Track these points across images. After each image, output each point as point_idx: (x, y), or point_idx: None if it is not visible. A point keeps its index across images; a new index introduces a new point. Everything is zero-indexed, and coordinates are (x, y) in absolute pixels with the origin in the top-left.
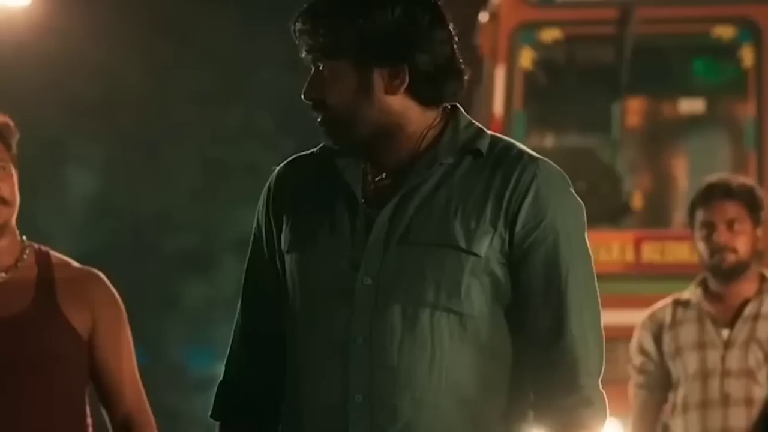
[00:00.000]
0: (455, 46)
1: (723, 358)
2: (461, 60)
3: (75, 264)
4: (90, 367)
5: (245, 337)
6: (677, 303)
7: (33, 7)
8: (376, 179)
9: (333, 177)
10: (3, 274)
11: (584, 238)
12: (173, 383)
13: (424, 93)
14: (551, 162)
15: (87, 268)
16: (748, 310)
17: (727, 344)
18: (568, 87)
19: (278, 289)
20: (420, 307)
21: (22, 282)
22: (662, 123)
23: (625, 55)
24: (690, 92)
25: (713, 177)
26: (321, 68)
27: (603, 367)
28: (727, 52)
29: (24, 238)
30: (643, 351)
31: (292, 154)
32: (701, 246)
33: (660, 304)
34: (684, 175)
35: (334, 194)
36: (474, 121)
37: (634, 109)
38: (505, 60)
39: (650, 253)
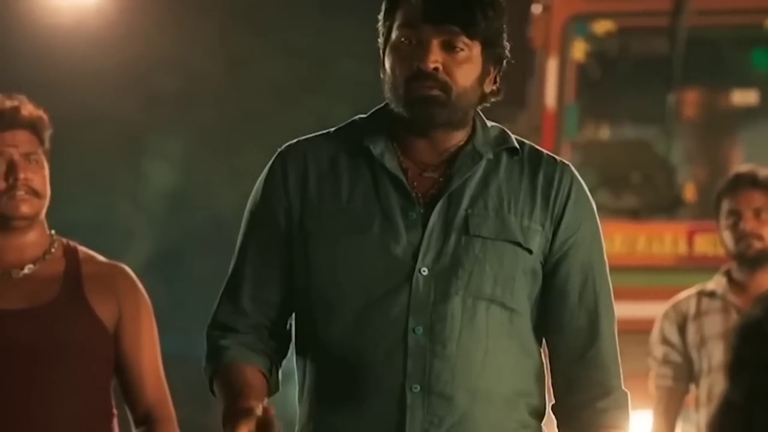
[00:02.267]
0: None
1: None
2: None
3: (101, 258)
4: (115, 360)
5: (246, 303)
6: (702, 294)
7: (103, 2)
8: (423, 172)
9: (369, 163)
10: (31, 266)
11: (603, 246)
12: None
13: (492, 95)
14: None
15: (113, 262)
16: None
17: None
18: (620, 79)
19: (287, 270)
20: (478, 300)
21: (49, 274)
22: (716, 114)
23: (679, 47)
24: (744, 83)
25: (739, 167)
26: (457, 46)
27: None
28: None
29: (53, 232)
30: (666, 341)
31: None
32: (727, 234)
33: (683, 294)
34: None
35: (377, 182)
36: (490, 121)
37: (687, 101)
38: (558, 52)
39: (703, 245)
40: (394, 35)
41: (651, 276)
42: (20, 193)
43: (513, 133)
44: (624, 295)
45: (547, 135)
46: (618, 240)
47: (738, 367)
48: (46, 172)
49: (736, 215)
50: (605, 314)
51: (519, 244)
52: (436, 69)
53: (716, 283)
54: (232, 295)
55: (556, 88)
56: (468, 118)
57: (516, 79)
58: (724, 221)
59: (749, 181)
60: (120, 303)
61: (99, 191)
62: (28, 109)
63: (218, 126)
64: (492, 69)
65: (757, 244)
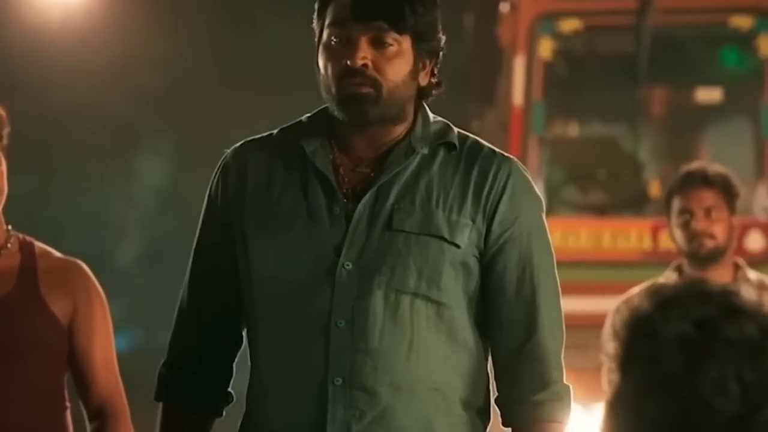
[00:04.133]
0: None
1: None
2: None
3: (57, 254)
4: (69, 354)
5: (194, 318)
6: (653, 288)
7: (91, 0)
8: (356, 168)
9: (302, 163)
10: None
11: (546, 238)
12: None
13: (429, 89)
14: (517, 160)
15: (69, 258)
16: None
17: None
18: (587, 77)
19: (233, 273)
20: (401, 294)
21: (4, 269)
22: (681, 112)
23: (644, 45)
24: (708, 81)
25: (690, 165)
26: (386, 41)
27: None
28: (745, 41)
29: (10, 227)
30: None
31: None
32: (678, 233)
33: (635, 290)
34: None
35: (306, 180)
36: (437, 116)
37: (654, 98)
38: (525, 50)
39: (667, 240)
40: (324, 34)
41: (616, 270)
42: None
43: (482, 130)
44: (589, 289)
45: (514, 132)
46: (584, 235)
47: (628, 361)
48: (4, 168)
49: (687, 214)
50: (545, 307)
51: (444, 239)
52: (365, 66)
53: (667, 278)
54: (179, 330)
55: (523, 85)
56: (405, 113)
57: (485, 77)
58: (675, 219)
59: (700, 180)
60: (75, 298)
61: (90, 188)
62: None
63: (207, 122)
64: (427, 62)
65: (709, 243)
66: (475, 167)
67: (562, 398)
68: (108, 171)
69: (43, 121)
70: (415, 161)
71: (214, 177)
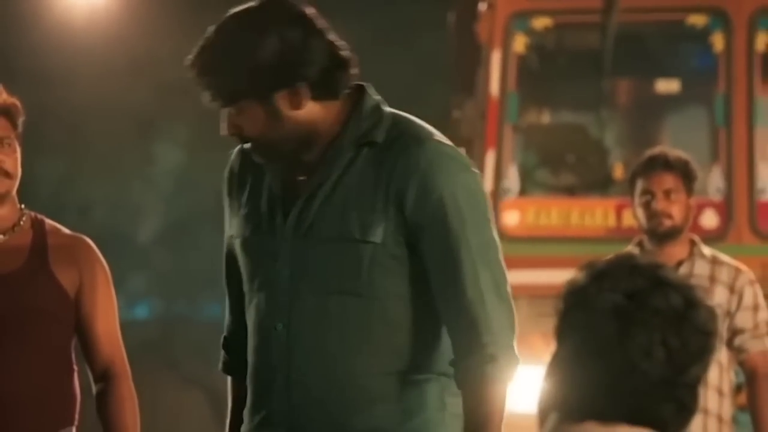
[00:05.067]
0: (334, 41)
1: None
2: (343, 48)
3: (66, 231)
4: (75, 323)
5: (230, 297)
6: None
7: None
8: (300, 176)
9: (259, 174)
10: (1, 236)
11: (478, 208)
12: None
13: (324, 95)
14: (447, 144)
15: (77, 234)
16: (682, 270)
17: None
18: (557, 69)
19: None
20: (328, 294)
21: (17, 245)
22: (643, 101)
23: (609, 41)
24: (667, 74)
25: (653, 150)
26: (228, 109)
27: (512, 324)
28: (700, 37)
29: (23, 206)
30: None
31: None
32: (640, 212)
33: None
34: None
35: (260, 191)
36: (380, 104)
37: (617, 90)
38: (501, 45)
39: (630, 219)
40: None
41: (583, 246)
42: None
43: (462, 119)
44: (559, 262)
45: (491, 120)
46: (554, 213)
47: (565, 329)
48: (18, 154)
49: (648, 195)
50: (471, 276)
51: (357, 239)
52: (232, 135)
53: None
54: (227, 309)
55: (499, 77)
56: (311, 134)
57: (466, 70)
58: (637, 199)
59: (661, 164)
60: (81, 271)
61: (113, 171)
62: (3, 97)
63: (219, 112)
64: (278, 97)
65: (667, 222)
66: (388, 158)
67: (496, 359)
68: (129, 156)
69: (69, 110)
70: (339, 168)
71: (225, 178)
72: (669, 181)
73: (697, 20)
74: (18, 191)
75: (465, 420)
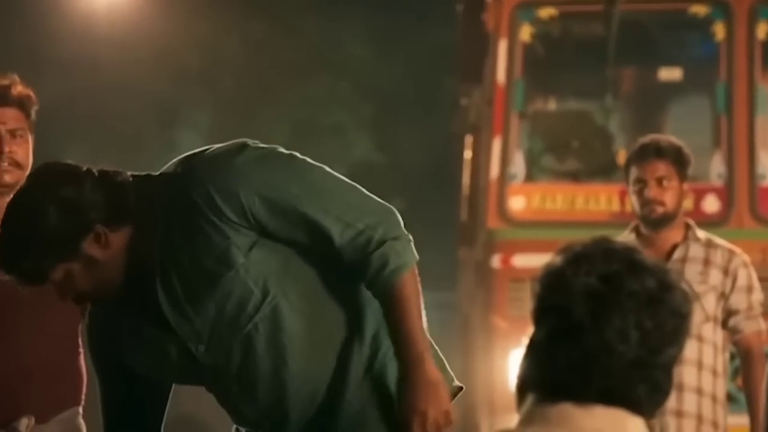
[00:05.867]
0: (105, 175)
1: None
2: (116, 176)
3: None
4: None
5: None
6: None
7: None
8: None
9: (122, 316)
10: None
11: (273, 171)
12: None
13: (119, 222)
14: (210, 152)
15: None
16: (677, 254)
17: None
18: (562, 58)
19: (134, 379)
20: (247, 333)
21: None
22: (646, 89)
23: (613, 30)
24: (670, 62)
25: (646, 137)
26: (52, 281)
27: (366, 206)
28: (702, 27)
29: None
30: None
31: (371, 117)
32: (634, 199)
33: None
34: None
35: (131, 325)
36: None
37: (621, 77)
38: (507, 34)
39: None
40: None
41: (588, 230)
42: (4, 164)
43: (470, 106)
44: None
45: (497, 107)
46: (560, 199)
47: (541, 312)
48: (30, 145)
49: (641, 182)
50: (323, 218)
51: (223, 275)
52: (72, 298)
53: (625, 238)
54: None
55: (505, 66)
56: (118, 277)
57: (473, 59)
58: (632, 187)
59: (653, 151)
60: None
61: (134, 157)
62: (18, 89)
63: (238, 98)
64: (85, 252)
65: (659, 209)
66: (187, 202)
67: (387, 259)
68: (151, 142)
69: (93, 97)
70: (163, 240)
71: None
72: (661, 168)
73: (699, 10)
74: None
75: (390, 322)
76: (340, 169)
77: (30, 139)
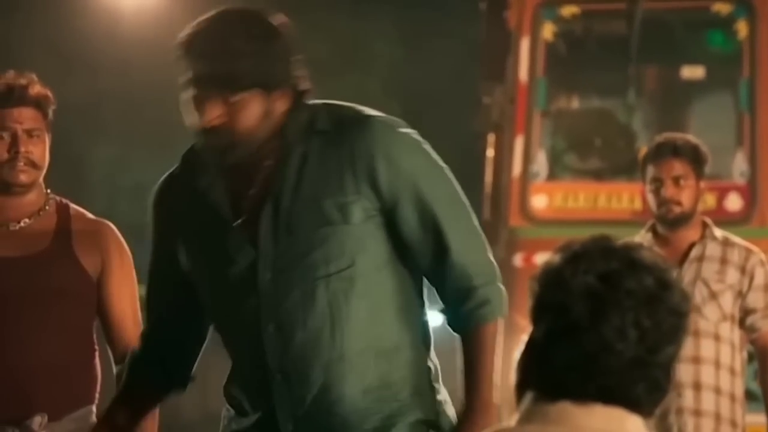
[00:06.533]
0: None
1: None
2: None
3: (90, 215)
4: (97, 305)
5: (154, 321)
6: None
7: None
8: (251, 182)
9: (201, 196)
10: (27, 220)
11: (435, 164)
12: None
13: (296, 104)
14: (385, 116)
15: (100, 219)
16: (694, 252)
17: None
18: (585, 56)
19: (182, 286)
20: (315, 283)
21: (42, 228)
22: (668, 87)
23: (635, 28)
24: (692, 60)
25: (662, 136)
26: (226, 98)
27: (490, 257)
28: (725, 24)
29: (48, 191)
30: None
31: (397, 115)
32: (651, 198)
33: None
34: (689, 133)
35: (209, 212)
36: (309, 101)
37: (643, 75)
38: (530, 33)
39: None
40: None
41: (610, 229)
42: (20, 164)
43: (492, 105)
44: None
45: (520, 105)
46: (582, 197)
47: (539, 310)
48: (46, 145)
49: (658, 182)
50: (450, 230)
51: (337, 223)
52: (213, 126)
53: (642, 237)
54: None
55: (528, 64)
56: (270, 134)
57: (496, 57)
58: (648, 186)
59: (670, 150)
60: (103, 255)
61: (164, 154)
62: (36, 88)
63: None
64: (278, 95)
65: (676, 209)
66: (344, 142)
67: (489, 300)
68: (180, 140)
69: (123, 97)
70: (296, 163)
71: (151, 215)
72: (678, 167)
73: (722, 7)
74: (70, 173)
75: (466, 361)
76: None
77: (47, 139)
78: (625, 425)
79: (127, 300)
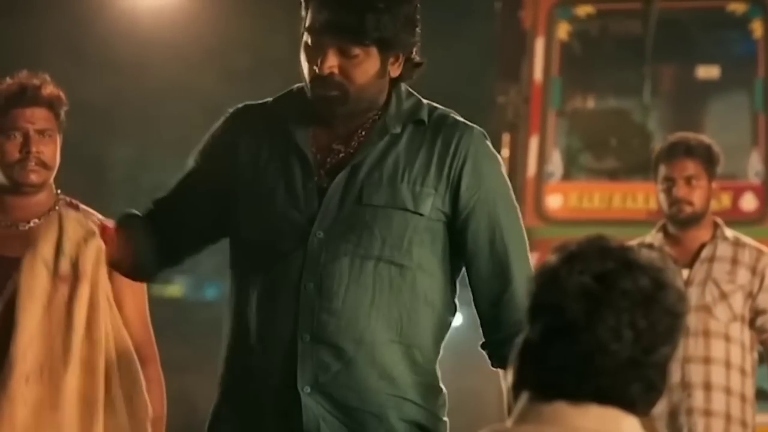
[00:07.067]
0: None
1: None
2: None
3: (99, 216)
4: None
5: (166, 203)
6: (641, 246)
7: None
8: (332, 143)
9: (285, 136)
10: (36, 220)
11: (511, 197)
12: None
13: (407, 74)
14: (481, 130)
15: (108, 220)
16: (705, 252)
17: (687, 283)
18: (600, 56)
19: (210, 199)
20: (366, 259)
21: None
22: (684, 86)
23: (650, 28)
24: (708, 60)
25: (675, 136)
26: (352, 53)
27: None
28: (740, 24)
29: (59, 191)
30: None
31: None
32: (662, 197)
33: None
34: (704, 133)
35: (287, 153)
36: (412, 91)
37: (659, 75)
38: (545, 33)
39: None
40: (304, 32)
41: (625, 229)
42: (31, 164)
43: (507, 104)
44: None
45: (535, 105)
46: (597, 197)
47: (536, 310)
48: (57, 145)
49: (670, 181)
50: (516, 260)
51: (408, 209)
52: (332, 73)
53: (653, 236)
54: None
55: (543, 64)
56: (377, 101)
57: (511, 57)
58: (660, 185)
59: (682, 150)
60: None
61: (183, 155)
62: (48, 89)
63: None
64: (399, 56)
65: (688, 209)
66: (438, 138)
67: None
68: (198, 140)
69: (142, 97)
70: (386, 140)
71: (220, 124)
72: (690, 167)
73: (737, 7)
74: (89, 174)
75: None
76: None
77: (58, 139)
78: (620, 426)
79: (134, 300)
